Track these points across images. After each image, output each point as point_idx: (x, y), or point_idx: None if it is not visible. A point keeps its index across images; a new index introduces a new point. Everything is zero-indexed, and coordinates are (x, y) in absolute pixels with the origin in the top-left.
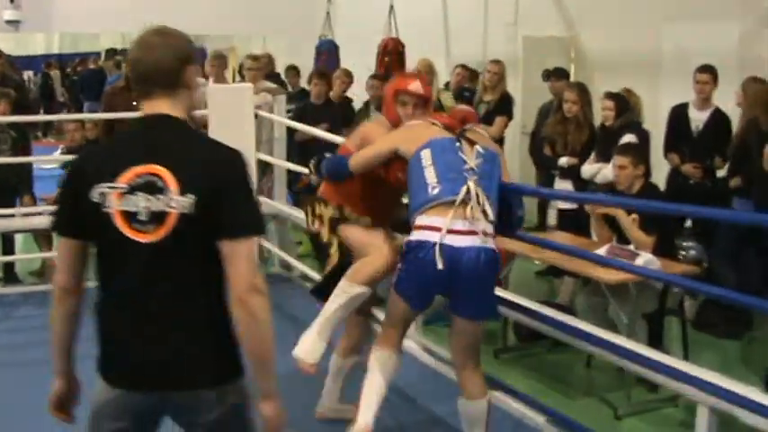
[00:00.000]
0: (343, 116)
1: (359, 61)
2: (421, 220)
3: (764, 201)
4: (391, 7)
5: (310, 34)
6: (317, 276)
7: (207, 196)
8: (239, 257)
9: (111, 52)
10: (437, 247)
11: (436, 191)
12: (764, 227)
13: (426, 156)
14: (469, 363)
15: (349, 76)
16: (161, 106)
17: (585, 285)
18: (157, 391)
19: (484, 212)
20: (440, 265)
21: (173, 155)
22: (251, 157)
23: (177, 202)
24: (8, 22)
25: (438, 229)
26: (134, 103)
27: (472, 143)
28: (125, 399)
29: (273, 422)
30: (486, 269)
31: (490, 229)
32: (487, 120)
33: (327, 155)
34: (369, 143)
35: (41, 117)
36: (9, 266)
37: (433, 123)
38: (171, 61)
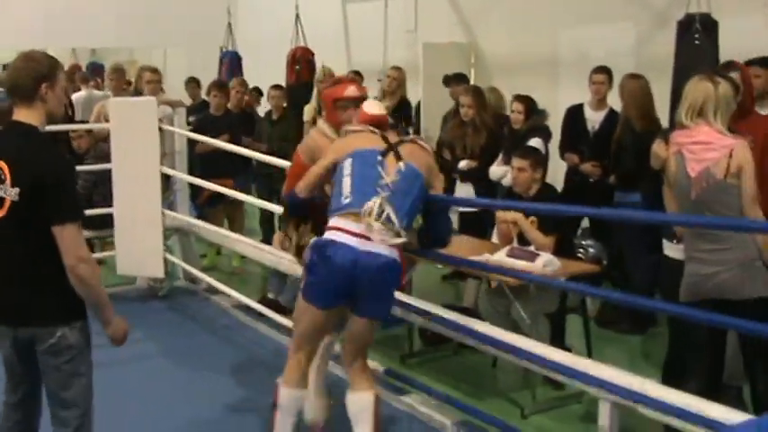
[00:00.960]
0: (243, 126)
1: (264, 72)
2: (331, 222)
3: (651, 196)
4: (297, 16)
5: (212, 46)
6: (222, 289)
7: (28, 190)
8: (65, 238)
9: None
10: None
11: (347, 200)
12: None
13: (347, 165)
14: (359, 359)
15: (245, 86)
16: (19, 115)
17: (488, 287)
18: (12, 325)
19: (389, 225)
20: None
21: (13, 154)
22: (155, 170)
23: (9, 191)
24: None
25: (344, 231)
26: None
27: (399, 158)
28: (1, 330)
29: (116, 336)
30: (382, 273)
31: (394, 240)
32: None
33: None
34: (319, 156)
35: None
36: None
37: (372, 131)
38: (27, 80)
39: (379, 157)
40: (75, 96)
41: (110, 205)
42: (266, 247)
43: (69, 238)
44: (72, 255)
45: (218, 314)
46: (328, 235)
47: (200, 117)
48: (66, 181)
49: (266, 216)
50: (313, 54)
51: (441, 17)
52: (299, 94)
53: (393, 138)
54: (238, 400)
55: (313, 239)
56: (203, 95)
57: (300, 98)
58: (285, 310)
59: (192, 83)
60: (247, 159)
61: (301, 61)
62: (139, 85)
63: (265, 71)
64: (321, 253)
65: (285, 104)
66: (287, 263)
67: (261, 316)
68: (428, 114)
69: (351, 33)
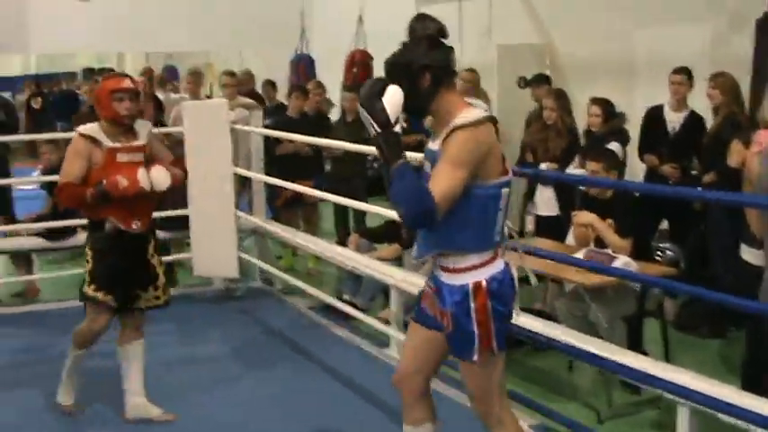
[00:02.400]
0: (319, 128)
1: (336, 75)
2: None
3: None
4: (360, 18)
5: (286, 49)
6: (300, 286)
7: None
8: None
9: (89, 72)
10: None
11: (498, 239)
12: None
13: (504, 197)
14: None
15: (322, 88)
16: None
17: (565, 290)
18: None
19: None
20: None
21: None
22: (228, 172)
23: None
24: None
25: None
26: None
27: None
28: None
29: None
30: None
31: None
32: None
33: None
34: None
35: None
36: None
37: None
38: None
39: None
40: None
41: (185, 207)
42: (341, 249)
43: None
44: None
45: (293, 315)
46: (493, 269)
47: (278, 119)
48: None
49: (341, 218)
50: (372, 57)
51: (515, 19)
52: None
53: None
54: (309, 401)
55: (482, 279)
56: (280, 98)
57: None
58: (361, 312)
59: (268, 85)
60: (321, 162)
61: (359, 65)
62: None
63: (338, 74)
64: (501, 295)
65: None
66: (362, 265)
67: (337, 318)
68: (503, 117)
69: None
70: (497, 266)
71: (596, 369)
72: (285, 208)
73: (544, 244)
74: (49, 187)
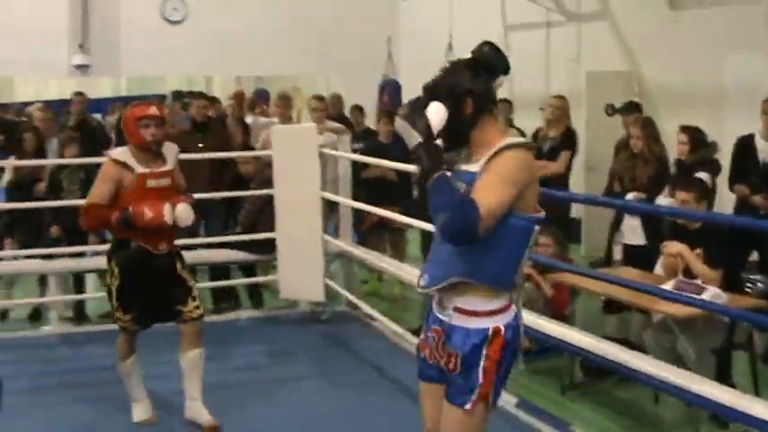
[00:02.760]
0: (409, 154)
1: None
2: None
3: None
4: (449, 45)
5: (373, 74)
6: (377, 317)
7: None
8: None
9: (177, 94)
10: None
11: (517, 283)
12: None
13: (534, 235)
14: None
15: None
16: None
17: (653, 321)
18: None
19: None
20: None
21: None
22: (316, 196)
23: None
24: (77, 66)
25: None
26: (200, 145)
27: None
28: None
29: None
30: None
31: None
32: (552, 155)
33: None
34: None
35: (94, 159)
36: (80, 306)
37: None
38: None
39: None
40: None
41: (273, 230)
42: None
43: None
44: None
45: (377, 340)
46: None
47: (369, 144)
48: None
49: (428, 244)
50: None
51: (604, 45)
52: None
53: None
54: (389, 424)
55: (501, 330)
56: (367, 123)
57: None
58: None
59: (356, 110)
60: (409, 187)
61: None
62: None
63: None
64: (512, 347)
65: None
66: None
67: None
68: (591, 144)
69: (512, 61)
70: (512, 313)
71: (683, 402)
72: (371, 232)
73: (631, 273)
74: None
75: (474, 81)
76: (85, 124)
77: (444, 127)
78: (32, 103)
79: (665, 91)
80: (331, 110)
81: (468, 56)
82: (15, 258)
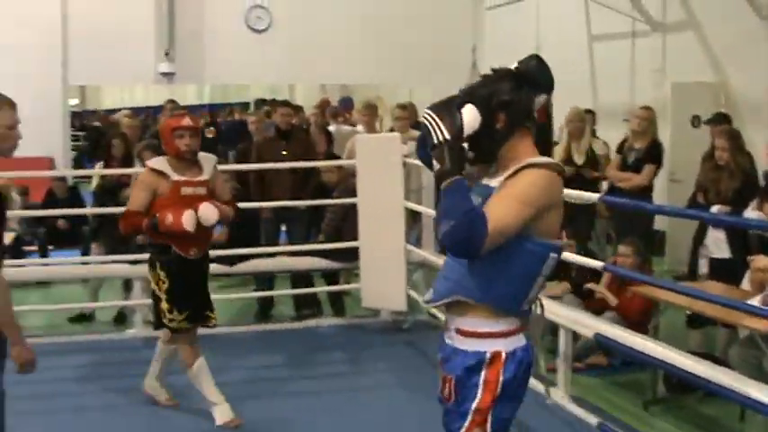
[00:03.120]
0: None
1: None
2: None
3: None
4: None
5: (456, 83)
6: None
7: None
8: None
9: (260, 102)
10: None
11: (527, 309)
12: None
13: (551, 264)
14: None
15: None
16: None
17: (739, 336)
18: None
19: None
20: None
21: None
22: (399, 206)
23: None
24: (163, 74)
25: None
26: (283, 153)
27: None
28: None
29: (19, 359)
30: None
31: None
32: (637, 167)
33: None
34: None
35: None
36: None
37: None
38: None
39: None
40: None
41: (356, 238)
42: None
43: None
44: None
45: None
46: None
47: None
48: None
49: None
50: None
51: (690, 56)
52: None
53: None
54: None
55: (501, 355)
56: None
57: (539, 139)
58: None
59: None
60: None
61: None
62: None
63: None
64: (515, 378)
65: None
66: None
67: None
68: (677, 156)
69: (597, 72)
70: (521, 341)
71: None
72: None
73: (716, 288)
74: None
75: (512, 93)
76: None
77: (474, 136)
78: (119, 109)
79: (753, 102)
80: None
81: (515, 66)
82: (102, 262)
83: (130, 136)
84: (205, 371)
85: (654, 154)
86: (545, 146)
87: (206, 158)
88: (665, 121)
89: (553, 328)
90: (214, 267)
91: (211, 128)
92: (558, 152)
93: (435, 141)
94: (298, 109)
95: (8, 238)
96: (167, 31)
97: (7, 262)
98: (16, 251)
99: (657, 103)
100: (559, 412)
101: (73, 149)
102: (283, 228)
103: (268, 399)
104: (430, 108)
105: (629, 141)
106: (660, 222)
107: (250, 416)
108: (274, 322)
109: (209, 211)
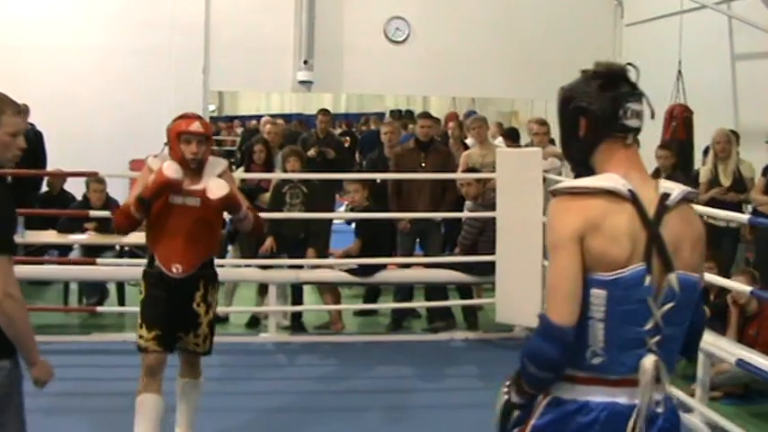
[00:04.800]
0: None
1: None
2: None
3: None
4: (679, 72)
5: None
6: None
7: None
8: None
9: (396, 113)
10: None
11: (598, 361)
12: None
13: (599, 298)
14: None
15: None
16: None
17: None
18: None
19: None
20: None
21: None
22: (539, 221)
23: None
24: (301, 82)
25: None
26: (422, 164)
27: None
28: None
29: (39, 380)
30: None
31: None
32: None
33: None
34: None
35: (312, 176)
36: (297, 316)
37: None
38: None
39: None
40: None
41: (492, 252)
42: None
43: None
44: None
45: None
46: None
47: None
48: None
49: None
50: (691, 112)
51: None
52: (677, 153)
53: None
54: None
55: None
56: None
57: (680, 157)
58: None
59: None
60: None
61: (678, 118)
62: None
63: (648, 127)
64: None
65: (673, 163)
66: None
67: None
68: None
69: (739, 92)
70: (585, 394)
71: None
72: None
73: None
74: (357, 226)
75: (594, 97)
76: (330, 138)
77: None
78: (260, 116)
79: None
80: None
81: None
82: (237, 266)
83: (271, 142)
84: (148, 410)
85: None
86: (686, 164)
87: (213, 164)
88: None
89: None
90: (346, 277)
91: (347, 137)
92: (705, 173)
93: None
94: (437, 121)
95: None
96: (307, 40)
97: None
98: None
99: None
100: None
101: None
102: (419, 240)
103: (396, 410)
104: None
105: None
106: None
107: (374, 425)
108: (407, 333)
109: (218, 184)
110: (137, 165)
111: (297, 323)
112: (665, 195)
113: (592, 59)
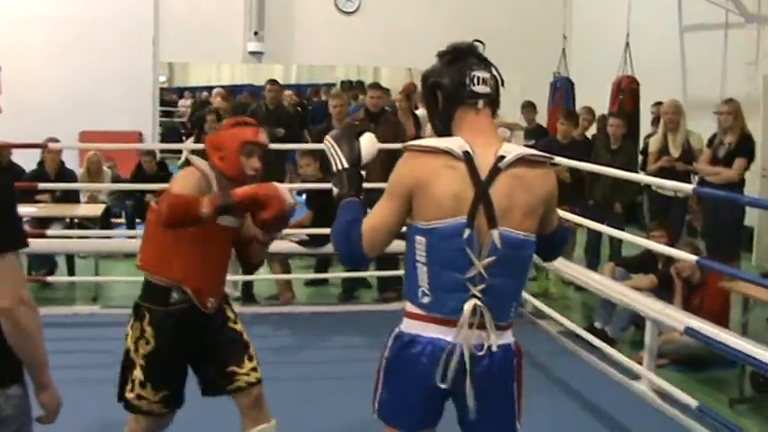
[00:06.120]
0: (586, 155)
1: (596, 99)
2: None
3: None
4: (627, 45)
5: (544, 71)
6: (551, 314)
7: None
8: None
9: (347, 84)
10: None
11: (426, 300)
12: None
13: (421, 244)
14: None
15: (592, 115)
16: None
17: None
18: None
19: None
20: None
21: None
22: None
23: None
24: (251, 53)
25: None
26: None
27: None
28: None
29: (50, 407)
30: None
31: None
32: (727, 161)
33: None
34: None
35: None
36: (247, 287)
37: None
38: None
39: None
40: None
41: None
42: (598, 276)
43: (5, 273)
44: (8, 294)
45: (542, 339)
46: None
47: (546, 143)
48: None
49: (592, 243)
50: (638, 84)
51: None
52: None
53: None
54: (551, 425)
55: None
56: (538, 120)
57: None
58: (611, 342)
59: (529, 107)
60: (583, 189)
61: (626, 91)
62: None
63: (596, 98)
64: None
65: (624, 132)
66: (617, 293)
67: (586, 345)
68: (767, 152)
69: (687, 63)
70: (425, 330)
71: None
72: None
73: None
74: (307, 197)
75: (443, 71)
76: (281, 110)
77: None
78: (211, 87)
79: None
80: None
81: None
82: None
83: (223, 114)
84: None
85: (744, 148)
86: (633, 135)
87: None
88: (757, 116)
89: (639, 321)
90: (296, 248)
91: (298, 108)
92: (654, 144)
93: (335, 169)
94: (386, 91)
95: (98, 209)
96: (257, 11)
97: (96, 232)
98: (105, 223)
99: (749, 97)
100: (640, 405)
101: (159, 125)
102: (369, 210)
103: (346, 380)
104: (331, 136)
105: (719, 135)
106: (749, 218)
107: (327, 396)
108: (358, 304)
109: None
110: (86, 136)
111: (247, 294)
112: (500, 158)
113: (541, 31)
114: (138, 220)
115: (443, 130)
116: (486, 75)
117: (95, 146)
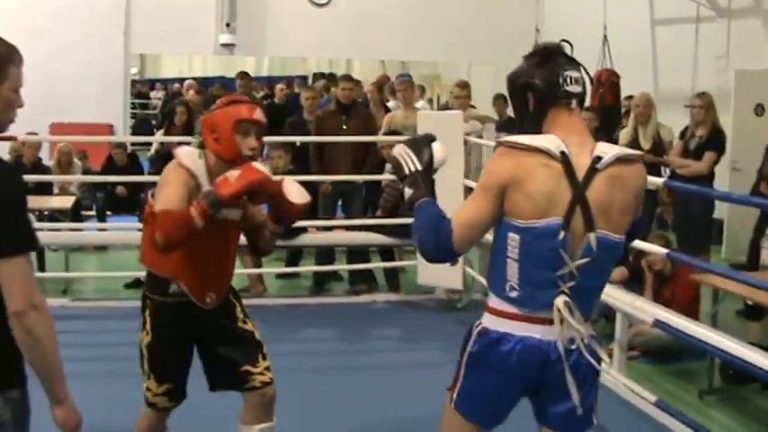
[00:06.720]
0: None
1: None
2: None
3: None
4: (605, 38)
5: (516, 62)
6: None
7: None
8: (9, 276)
9: (319, 76)
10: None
11: (515, 294)
12: None
13: (514, 241)
14: None
15: None
16: None
17: None
18: None
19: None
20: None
21: None
22: (459, 183)
23: None
24: (223, 45)
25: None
26: (343, 127)
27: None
28: None
29: (67, 426)
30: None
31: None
32: (698, 154)
33: None
34: None
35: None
36: None
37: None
38: None
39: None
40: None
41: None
42: None
43: (17, 276)
44: (20, 298)
45: None
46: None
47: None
48: (11, 202)
49: None
50: (618, 77)
51: (755, 43)
52: (603, 117)
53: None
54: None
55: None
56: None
57: (605, 120)
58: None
59: (500, 99)
60: None
61: (606, 84)
62: (450, 101)
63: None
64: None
65: (597, 126)
66: None
67: None
68: (738, 144)
69: (658, 57)
70: (511, 327)
71: None
72: None
73: None
74: None
75: (535, 72)
76: None
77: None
78: (183, 79)
79: None
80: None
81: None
82: None
83: (193, 107)
84: None
85: (715, 141)
86: (613, 128)
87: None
88: (728, 109)
89: (610, 313)
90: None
91: (270, 100)
92: (624, 136)
93: (407, 172)
94: (357, 83)
95: (68, 201)
96: (229, 3)
97: (66, 225)
98: (75, 215)
99: (720, 90)
100: (613, 395)
101: (132, 117)
102: (341, 203)
103: (317, 372)
104: (404, 142)
105: (691, 128)
106: (718, 211)
107: (298, 388)
108: (329, 296)
109: (296, 188)
110: (57, 128)
111: None
112: (597, 159)
113: (514, 23)
114: (108, 213)
115: (534, 131)
116: (577, 74)
117: (67, 138)
